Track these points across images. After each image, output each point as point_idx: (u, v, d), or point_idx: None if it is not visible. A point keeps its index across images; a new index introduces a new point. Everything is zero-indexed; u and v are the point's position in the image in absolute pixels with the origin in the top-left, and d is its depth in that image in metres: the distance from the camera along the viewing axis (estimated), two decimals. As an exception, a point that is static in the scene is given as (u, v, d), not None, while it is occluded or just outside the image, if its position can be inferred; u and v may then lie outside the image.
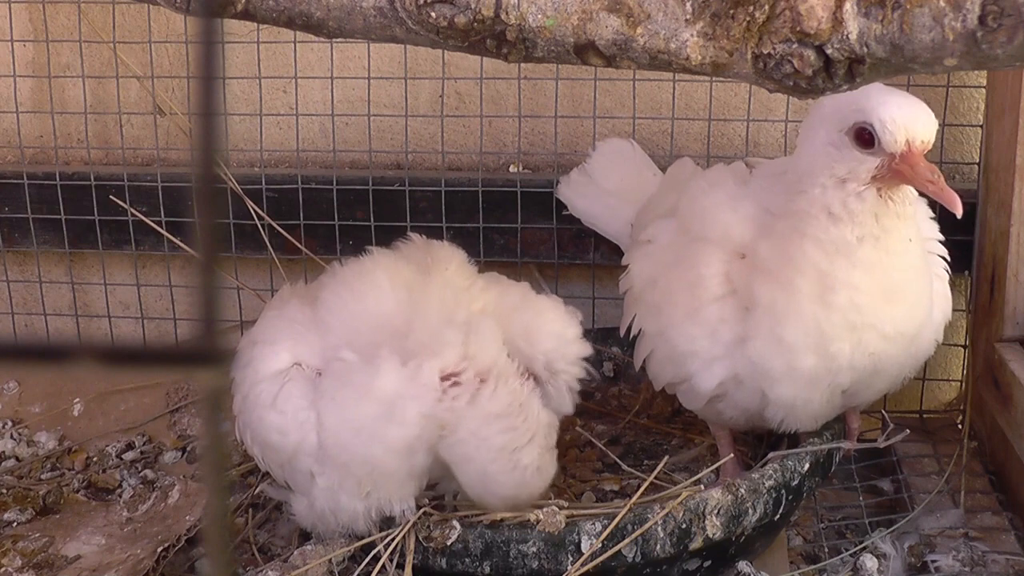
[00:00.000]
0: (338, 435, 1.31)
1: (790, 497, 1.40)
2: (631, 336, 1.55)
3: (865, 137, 1.30)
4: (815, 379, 1.37)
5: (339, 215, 1.94)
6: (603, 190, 1.77)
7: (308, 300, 1.44)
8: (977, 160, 1.83)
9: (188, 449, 1.85)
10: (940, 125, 1.85)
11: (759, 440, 1.60)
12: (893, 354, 1.39)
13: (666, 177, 1.72)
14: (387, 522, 1.35)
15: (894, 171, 1.30)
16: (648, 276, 1.52)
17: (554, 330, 1.41)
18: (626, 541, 1.31)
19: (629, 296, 1.58)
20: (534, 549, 1.32)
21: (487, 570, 1.33)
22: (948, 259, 1.48)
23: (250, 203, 1.88)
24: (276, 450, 1.37)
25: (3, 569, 1.52)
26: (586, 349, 1.44)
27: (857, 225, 1.32)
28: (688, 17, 0.99)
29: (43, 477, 1.79)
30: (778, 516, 1.40)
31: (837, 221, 1.32)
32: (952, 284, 1.50)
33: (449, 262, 1.45)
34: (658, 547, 1.32)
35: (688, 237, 1.47)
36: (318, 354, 1.37)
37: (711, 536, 1.34)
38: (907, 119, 1.30)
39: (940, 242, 1.48)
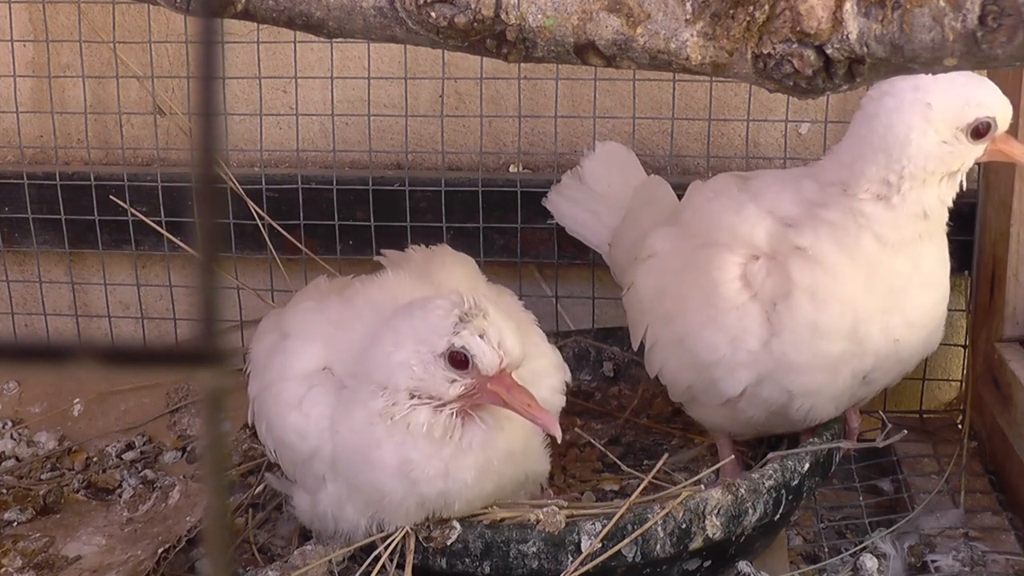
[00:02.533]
0: (350, 459, 1.31)
1: (790, 497, 1.40)
2: (646, 348, 1.55)
3: (983, 130, 1.34)
4: (840, 363, 1.38)
5: (339, 215, 1.94)
6: (593, 194, 1.76)
7: (344, 302, 1.42)
8: (977, 160, 1.82)
9: (188, 449, 1.85)
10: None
11: (759, 440, 1.60)
12: (914, 343, 1.41)
13: (637, 196, 1.71)
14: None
15: (995, 152, 1.36)
16: (656, 286, 1.51)
17: (535, 367, 1.40)
18: (626, 541, 1.31)
19: (635, 310, 1.57)
20: (534, 549, 1.32)
21: (487, 570, 1.33)
22: None
23: (250, 203, 1.88)
24: (292, 450, 1.36)
25: (4, 569, 1.52)
26: (559, 401, 1.43)
27: (930, 221, 1.36)
28: (688, 17, 0.99)
29: (43, 477, 1.79)
30: (778, 516, 1.40)
31: (917, 221, 1.36)
32: (952, 284, 1.50)
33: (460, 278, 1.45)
34: (658, 547, 1.32)
35: (696, 243, 1.47)
36: (347, 363, 1.35)
37: (711, 536, 1.34)
38: (1009, 104, 1.36)
39: None
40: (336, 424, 1.32)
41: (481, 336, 1.24)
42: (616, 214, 1.70)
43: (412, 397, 1.27)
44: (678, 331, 1.46)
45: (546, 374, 1.41)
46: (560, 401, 1.43)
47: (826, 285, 1.36)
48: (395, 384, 1.27)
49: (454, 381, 1.25)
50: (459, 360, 1.25)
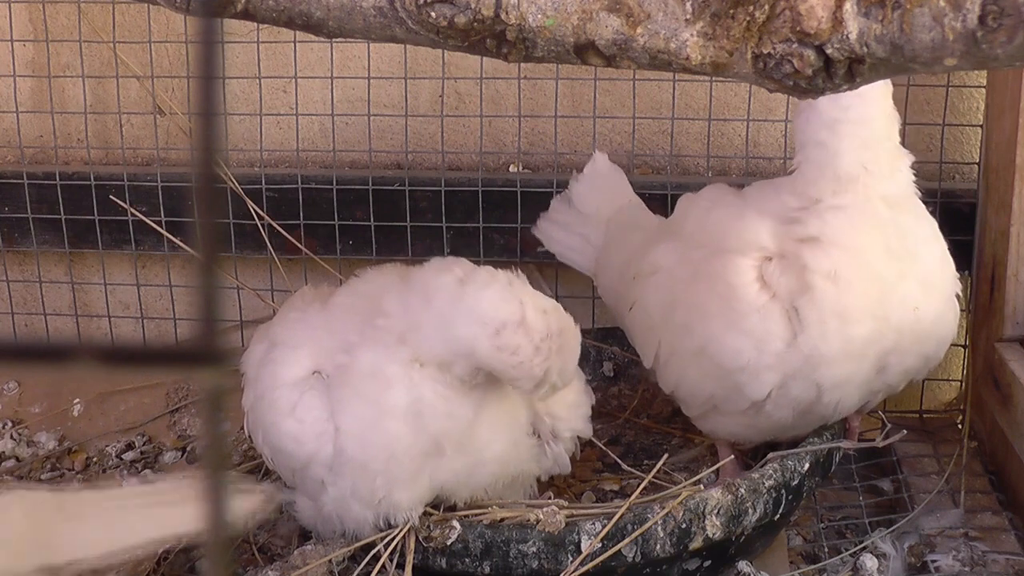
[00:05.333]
0: (359, 434, 1.31)
1: (790, 497, 1.40)
2: (660, 363, 1.54)
3: None
4: (867, 346, 1.38)
5: (339, 215, 1.94)
6: (582, 216, 1.75)
7: (327, 304, 1.44)
8: (977, 160, 1.82)
9: (188, 449, 1.85)
10: (940, 125, 1.86)
11: (759, 440, 1.60)
12: (932, 311, 1.41)
13: (615, 222, 1.71)
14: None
15: None
16: (666, 300, 1.50)
17: (568, 400, 1.43)
18: (626, 541, 1.31)
19: (644, 327, 1.56)
20: (534, 549, 1.32)
21: (487, 570, 1.33)
22: None
23: (250, 203, 1.88)
24: (289, 456, 1.37)
25: (3, 569, 1.52)
26: (589, 430, 1.48)
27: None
28: (688, 17, 0.99)
29: (43, 477, 1.79)
30: (778, 516, 1.40)
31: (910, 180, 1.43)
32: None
33: None
34: (658, 547, 1.32)
35: (704, 252, 1.46)
36: (336, 353, 1.36)
37: (711, 536, 1.34)
38: None
39: None
40: (336, 415, 1.32)
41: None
42: (603, 235, 1.71)
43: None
44: (697, 341, 1.45)
45: (577, 405, 1.44)
46: (590, 430, 1.47)
47: (846, 263, 1.37)
48: (450, 356, 1.28)
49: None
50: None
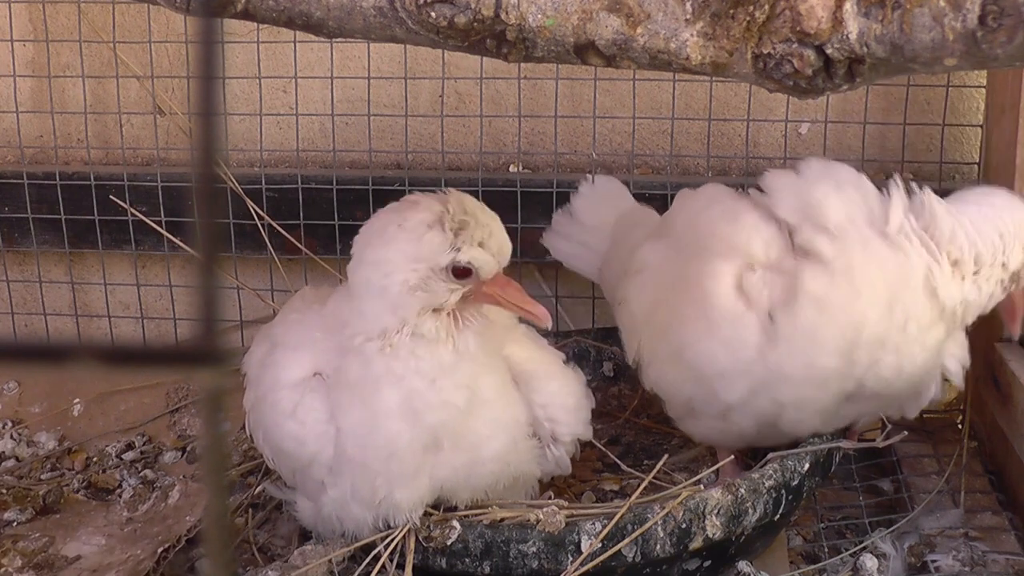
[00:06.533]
0: (356, 434, 1.31)
1: (790, 497, 1.40)
2: (642, 363, 1.54)
3: None
4: (831, 379, 1.37)
5: (339, 215, 1.94)
6: (585, 227, 1.79)
7: (326, 307, 1.43)
8: (977, 160, 1.82)
9: (188, 449, 1.85)
10: (940, 125, 1.86)
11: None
12: (898, 390, 1.41)
13: (622, 222, 1.73)
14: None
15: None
16: (650, 300, 1.51)
17: (568, 404, 1.44)
18: (626, 541, 1.31)
19: (628, 324, 1.57)
20: (534, 549, 1.32)
21: (487, 570, 1.33)
22: None
23: (250, 203, 1.88)
24: (290, 457, 1.37)
25: (3, 569, 1.52)
26: (589, 433, 1.48)
27: (969, 315, 1.43)
28: (688, 17, 0.99)
29: (43, 477, 1.79)
30: (778, 516, 1.40)
31: (972, 308, 1.42)
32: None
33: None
34: (658, 547, 1.32)
35: (689, 253, 1.46)
36: (333, 361, 1.36)
37: (711, 536, 1.34)
38: None
39: None
40: (337, 416, 1.32)
41: (480, 244, 1.26)
42: (607, 241, 1.73)
43: (420, 314, 1.28)
44: (675, 344, 1.45)
45: (577, 408, 1.45)
46: (590, 433, 1.48)
47: (840, 296, 1.35)
48: (403, 312, 1.27)
49: (455, 290, 1.28)
50: (461, 271, 1.27)
